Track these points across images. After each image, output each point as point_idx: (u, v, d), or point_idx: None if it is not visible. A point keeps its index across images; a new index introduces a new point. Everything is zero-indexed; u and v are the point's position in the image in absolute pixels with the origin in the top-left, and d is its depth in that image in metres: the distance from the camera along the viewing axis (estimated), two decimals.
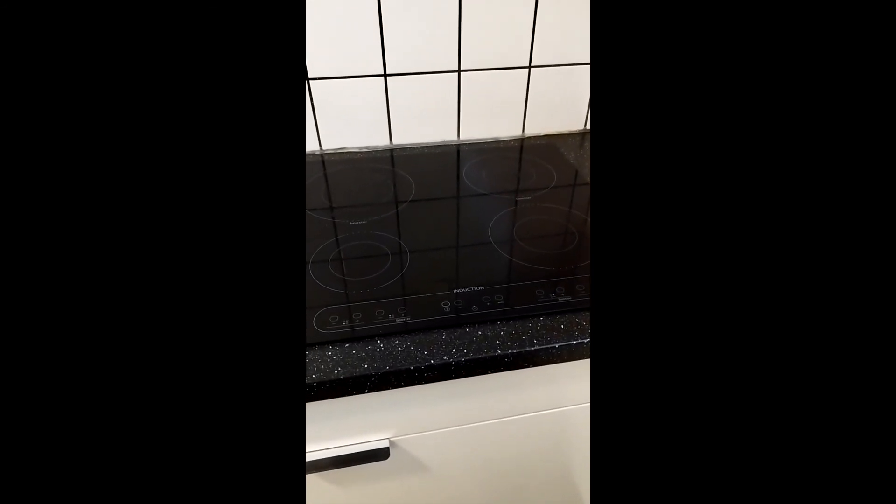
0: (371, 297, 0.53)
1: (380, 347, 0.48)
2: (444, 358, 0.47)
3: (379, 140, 0.84)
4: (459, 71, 0.79)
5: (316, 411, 0.50)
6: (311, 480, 0.57)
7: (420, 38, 0.75)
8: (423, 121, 0.83)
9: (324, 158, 0.81)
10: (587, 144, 0.87)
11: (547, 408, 0.59)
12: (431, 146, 0.85)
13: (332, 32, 0.72)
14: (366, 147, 0.84)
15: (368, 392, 0.47)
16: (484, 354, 0.47)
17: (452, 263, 0.58)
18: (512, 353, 0.48)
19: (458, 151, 0.84)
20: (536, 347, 0.48)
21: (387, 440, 0.55)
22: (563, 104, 0.87)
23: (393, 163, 0.80)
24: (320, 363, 0.46)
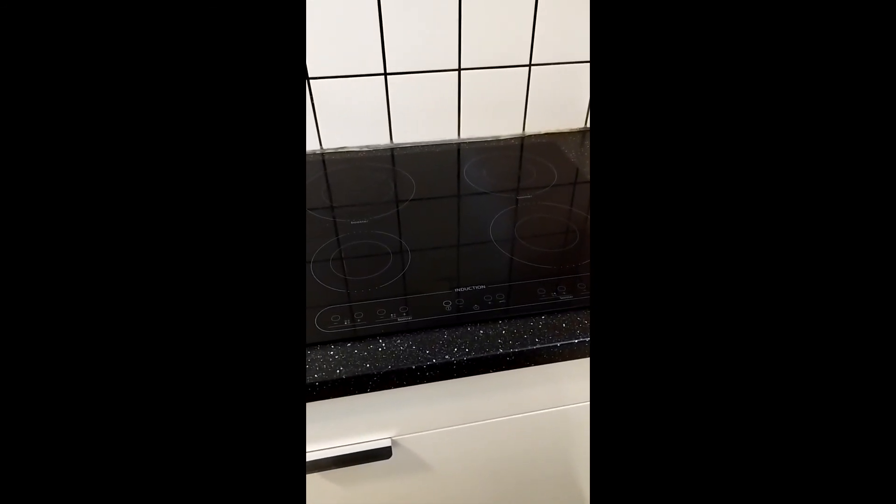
0: (372, 296, 0.53)
1: (381, 347, 0.48)
2: (446, 357, 0.47)
3: (379, 139, 0.83)
4: (460, 70, 0.79)
5: (318, 411, 0.50)
6: (314, 480, 0.57)
7: (420, 36, 0.74)
8: (424, 120, 0.83)
9: (324, 158, 0.81)
10: (588, 142, 0.87)
11: (549, 406, 0.59)
12: (432, 145, 0.85)
13: (333, 32, 0.71)
14: (366, 146, 0.84)
15: (370, 391, 0.47)
16: (486, 353, 0.47)
17: (454, 262, 0.58)
18: (514, 352, 0.48)
19: (459, 150, 0.84)
20: (538, 346, 0.48)
21: (389, 439, 0.55)
22: (563, 102, 0.87)
23: (393, 162, 0.80)
24: (322, 363, 0.46)
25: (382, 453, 0.54)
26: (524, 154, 0.83)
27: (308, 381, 0.45)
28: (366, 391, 0.46)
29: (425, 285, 0.54)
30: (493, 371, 0.49)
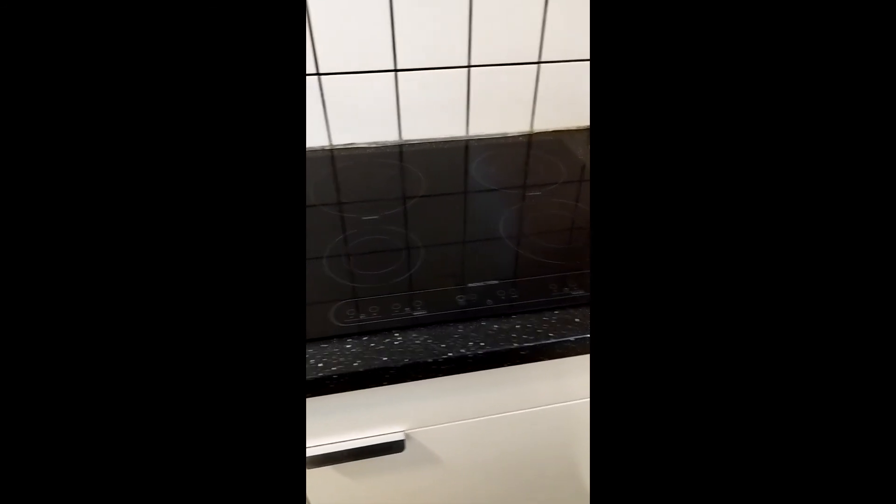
0: (387, 290, 0.53)
1: (397, 340, 0.48)
2: (461, 351, 0.47)
3: (388, 135, 0.84)
4: (469, 66, 0.79)
5: (332, 404, 0.51)
6: (327, 473, 0.57)
7: (431, 33, 0.75)
8: (432, 116, 0.83)
9: (333, 154, 0.81)
10: None
11: (561, 401, 0.59)
12: (440, 141, 0.85)
13: (344, 28, 0.72)
14: (375, 142, 0.84)
15: (386, 385, 0.47)
16: (500, 348, 0.48)
17: (465, 258, 0.59)
18: (528, 347, 0.48)
19: (467, 147, 0.84)
20: (552, 341, 0.49)
21: (402, 433, 0.55)
22: (571, 100, 0.87)
23: (402, 158, 0.80)
24: (339, 356, 0.46)
25: (396, 447, 0.55)
26: (532, 151, 0.83)
27: (325, 374, 0.45)
28: (382, 384, 0.47)
29: (438, 280, 0.55)
30: (508, 365, 0.49)
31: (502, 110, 0.85)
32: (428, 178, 0.75)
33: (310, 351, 0.47)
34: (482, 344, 0.48)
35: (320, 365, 0.46)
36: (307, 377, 0.45)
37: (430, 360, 0.47)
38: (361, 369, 0.45)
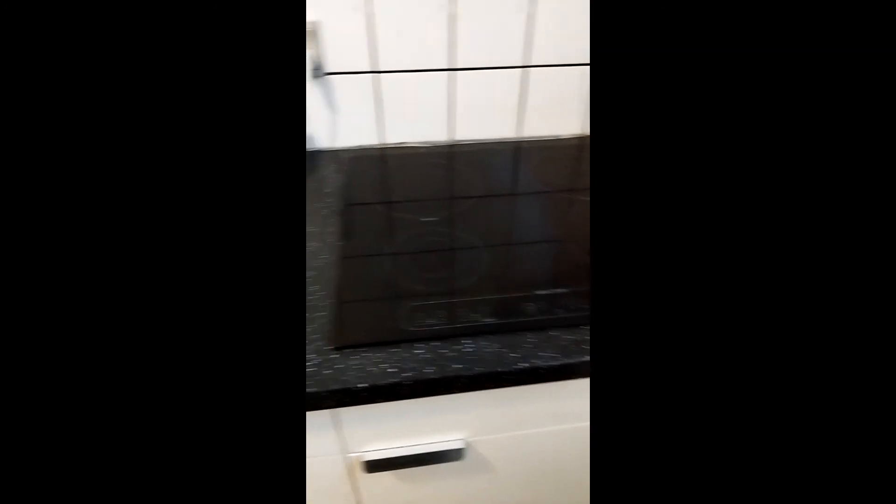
0: (453, 295, 0.52)
1: (468, 347, 0.47)
2: (534, 361, 0.46)
3: (439, 135, 0.83)
4: (525, 67, 0.78)
5: (392, 409, 0.50)
6: (384, 478, 0.57)
7: (490, 32, 0.73)
8: (485, 116, 0.82)
9: (385, 152, 0.80)
10: None
11: None
12: (491, 142, 0.84)
13: (404, 26, 0.71)
14: (427, 142, 0.83)
15: (457, 392, 0.46)
16: (574, 360, 0.46)
17: (529, 263, 0.58)
18: None
19: (518, 148, 0.83)
20: None
21: (462, 441, 0.54)
22: None
23: (454, 158, 0.79)
24: (410, 361, 0.45)
25: (455, 454, 0.54)
26: (585, 154, 0.82)
27: (397, 379, 0.44)
28: (453, 391, 0.46)
29: (504, 286, 0.54)
30: (579, 378, 0.48)
31: (555, 112, 0.84)
32: (483, 180, 0.73)
33: (380, 355, 0.46)
34: (555, 355, 0.47)
35: (392, 370, 0.45)
36: (380, 382, 0.44)
37: (503, 369, 0.45)
38: (435, 376, 0.44)
